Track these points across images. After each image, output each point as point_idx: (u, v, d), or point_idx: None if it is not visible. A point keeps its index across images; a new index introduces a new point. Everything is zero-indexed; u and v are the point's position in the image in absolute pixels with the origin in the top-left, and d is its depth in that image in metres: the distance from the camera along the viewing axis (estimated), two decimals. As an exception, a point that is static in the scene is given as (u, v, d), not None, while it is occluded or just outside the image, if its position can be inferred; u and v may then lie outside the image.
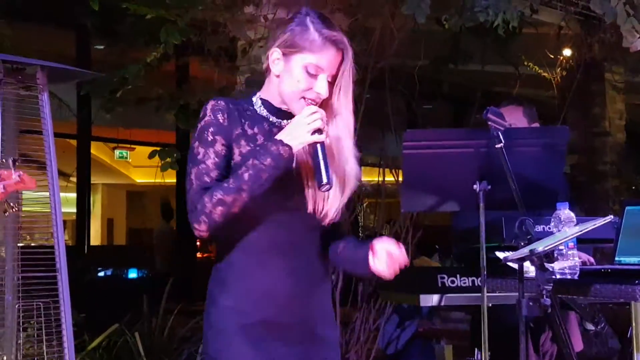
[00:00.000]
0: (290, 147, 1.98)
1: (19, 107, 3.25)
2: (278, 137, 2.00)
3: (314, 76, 2.05)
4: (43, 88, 3.26)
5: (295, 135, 1.99)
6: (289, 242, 2.09)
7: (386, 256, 2.05)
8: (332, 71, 2.07)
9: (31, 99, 3.28)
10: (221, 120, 2.05)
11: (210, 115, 2.05)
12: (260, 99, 2.14)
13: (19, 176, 1.96)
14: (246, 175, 1.96)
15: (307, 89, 2.05)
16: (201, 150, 2.03)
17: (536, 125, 3.45)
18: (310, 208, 2.09)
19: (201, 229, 1.98)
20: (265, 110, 2.13)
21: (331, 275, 4.97)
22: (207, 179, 2.00)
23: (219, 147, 2.04)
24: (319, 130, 1.99)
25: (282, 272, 2.07)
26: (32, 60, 3.24)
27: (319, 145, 1.99)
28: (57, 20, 7.37)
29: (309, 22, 2.07)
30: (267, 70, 2.13)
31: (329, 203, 2.11)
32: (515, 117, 3.36)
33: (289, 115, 2.10)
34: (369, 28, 5.11)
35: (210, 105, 2.07)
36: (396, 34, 5.01)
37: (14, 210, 2.23)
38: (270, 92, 2.14)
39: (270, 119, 2.13)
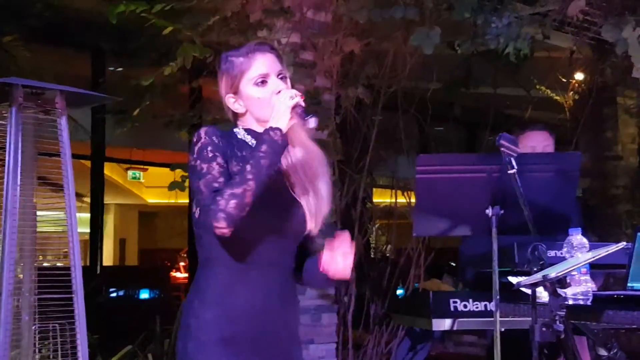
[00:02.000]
0: (280, 129, 2.07)
1: (38, 130, 3.29)
2: (270, 123, 2.10)
3: (265, 83, 2.19)
4: (62, 112, 3.30)
5: (279, 116, 2.09)
6: (268, 259, 2.15)
7: (329, 257, 2.12)
8: (275, 70, 2.21)
9: (49, 122, 3.33)
10: (216, 141, 2.12)
11: (205, 137, 2.12)
12: (243, 128, 2.23)
13: None
14: (248, 167, 2.04)
15: (270, 98, 2.16)
16: (204, 165, 2.09)
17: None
18: (301, 216, 2.20)
19: (221, 225, 2.00)
20: (249, 137, 2.21)
21: (343, 297, 5.01)
22: (216, 185, 2.06)
23: (220, 160, 2.11)
24: (293, 96, 2.10)
25: (261, 288, 2.14)
26: (51, 85, 3.28)
27: (298, 108, 2.11)
28: (73, 43, 7.43)
29: (229, 57, 2.23)
30: (235, 117, 2.26)
31: (320, 214, 2.23)
32: (540, 141, 3.40)
33: None
34: (381, 52, 5.15)
35: (203, 130, 2.14)
36: (408, 57, 5.05)
37: None
38: (247, 121, 2.25)
39: (251, 142, 2.20)
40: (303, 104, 2.11)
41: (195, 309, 2.14)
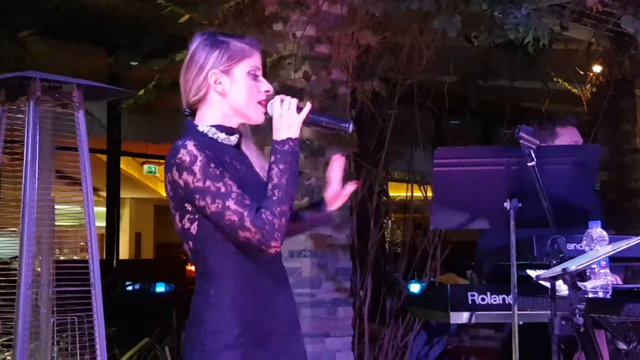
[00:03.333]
0: (296, 138, 2.09)
1: (55, 124, 3.31)
2: (275, 137, 2.09)
3: (257, 78, 2.18)
4: (79, 106, 3.32)
5: (290, 125, 2.09)
6: (271, 262, 2.15)
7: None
8: (261, 70, 2.23)
9: (66, 116, 3.34)
10: (211, 154, 2.05)
11: (200, 154, 2.03)
12: (212, 126, 2.16)
13: None
14: (284, 179, 2.05)
15: (258, 93, 2.17)
16: (219, 184, 2.02)
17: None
18: None
19: (278, 244, 2.03)
20: (222, 133, 2.16)
21: (359, 290, 5.01)
22: (247, 202, 2.01)
23: (226, 174, 2.05)
24: (298, 108, 2.11)
25: (269, 294, 2.15)
26: (68, 79, 3.30)
27: (312, 115, 2.13)
28: (87, 37, 7.47)
29: (221, 38, 2.19)
30: (203, 98, 2.16)
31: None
32: (574, 136, 3.39)
33: (234, 131, 2.20)
34: (397, 45, 5.14)
35: (191, 146, 2.03)
36: (425, 50, 5.03)
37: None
38: (214, 115, 2.17)
39: (228, 141, 2.18)
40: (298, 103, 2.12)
41: (204, 319, 2.10)
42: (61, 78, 3.29)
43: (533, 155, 2.56)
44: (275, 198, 2.02)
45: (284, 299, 2.19)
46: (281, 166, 2.05)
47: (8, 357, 3.36)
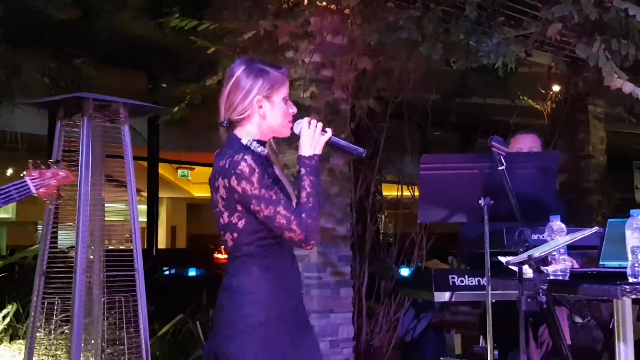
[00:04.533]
0: (320, 155, 2.16)
1: (105, 136, 3.33)
2: (304, 153, 2.15)
3: (287, 102, 2.22)
4: (125, 121, 3.34)
5: (315, 144, 2.16)
6: (289, 247, 2.21)
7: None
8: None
9: (114, 129, 3.36)
10: (262, 166, 2.11)
11: (257, 168, 2.08)
12: (254, 141, 2.19)
13: (64, 172, 2.01)
14: (315, 190, 2.12)
15: (288, 114, 2.22)
16: (270, 192, 2.08)
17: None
18: None
19: (314, 243, 2.12)
20: (260, 147, 2.20)
21: (358, 274, 5.01)
22: (292, 208, 2.10)
23: (276, 185, 2.12)
24: (323, 130, 2.16)
25: (293, 276, 2.22)
26: (115, 99, 3.32)
27: (332, 138, 2.19)
28: (130, 63, 7.47)
29: (266, 68, 2.20)
30: (248, 117, 2.18)
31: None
32: (527, 143, 3.38)
33: (265, 144, 2.24)
34: (389, 68, 5.13)
35: (250, 161, 2.07)
36: (412, 73, 5.03)
37: (62, 198, 2.20)
38: (253, 131, 2.19)
39: (262, 152, 2.21)
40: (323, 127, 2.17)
41: (232, 306, 2.11)
42: (110, 98, 3.30)
43: (503, 160, 2.57)
44: (310, 205, 2.10)
45: (292, 285, 2.23)
46: (312, 178, 2.12)
47: (66, 330, 3.37)
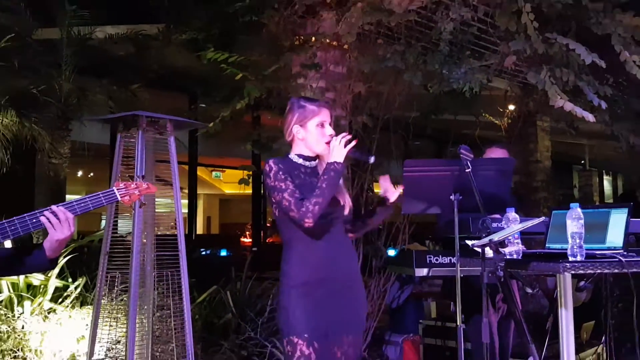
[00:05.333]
0: (340, 163, 2.20)
1: (155, 146, 3.33)
2: (329, 160, 2.20)
3: (323, 126, 2.28)
4: (170, 133, 3.34)
5: (338, 154, 2.20)
6: (328, 232, 2.23)
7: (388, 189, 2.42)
8: (328, 121, 2.31)
9: (162, 140, 3.36)
10: (282, 167, 2.20)
11: (276, 166, 2.19)
12: (296, 155, 2.30)
13: (146, 184, 2.03)
14: (324, 184, 2.15)
15: (323, 136, 2.27)
16: (282, 184, 2.17)
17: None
18: (343, 207, 2.29)
19: (309, 222, 2.13)
20: (301, 159, 2.29)
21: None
22: (297, 195, 2.15)
23: (289, 180, 2.18)
24: (348, 143, 2.21)
25: (326, 250, 2.22)
26: (163, 116, 3.32)
27: (351, 151, 2.23)
28: (174, 87, 7.50)
29: (302, 103, 2.30)
30: (292, 140, 2.30)
31: (348, 203, 2.32)
32: (501, 154, 3.41)
33: (313, 158, 2.31)
34: (379, 91, 5.13)
35: (272, 161, 2.21)
36: (397, 95, 5.01)
37: (145, 205, 2.24)
38: (299, 149, 2.30)
39: (305, 164, 2.29)
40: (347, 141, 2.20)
41: (284, 270, 2.21)
42: (159, 115, 3.30)
43: (469, 164, 2.57)
44: (315, 194, 2.14)
45: (341, 258, 2.26)
46: (325, 176, 2.17)
47: (125, 298, 3.37)
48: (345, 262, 2.28)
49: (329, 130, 2.29)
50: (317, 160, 2.31)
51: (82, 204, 1.85)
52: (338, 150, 2.19)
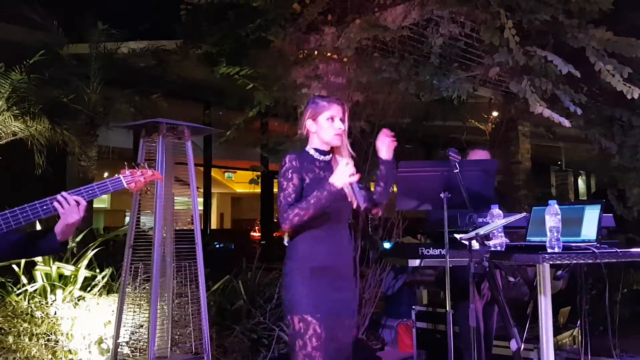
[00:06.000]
0: (336, 187, 2.11)
1: (174, 149, 3.34)
2: (331, 180, 2.10)
3: (332, 120, 2.22)
4: (188, 138, 3.35)
5: (340, 180, 2.10)
6: (331, 224, 2.19)
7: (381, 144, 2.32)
8: (339, 115, 2.24)
9: (180, 144, 3.37)
10: (295, 164, 2.15)
11: (288, 163, 2.15)
12: (312, 148, 2.25)
13: (152, 171, 2.01)
14: (312, 200, 2.08)
15: (333, 129, 2.21)
16: (284, 183, 2.13)
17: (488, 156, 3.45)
18: (350, 203, 2.21)
19: (285, 227, 2.10)
20: (317, 153, 2.23)
21: (354, 246, 4.99)
22: (289, 199, 2.10)
23: (295, 180, 2.13)
24: (352, 174, 2.11)
25: (328, 240, 2.18)
26: (181, 122, 3.33)
27: (352, 183, 2.15)
28: (191, 97, 7.50)
29: (316, 100, 2.27)
30: (307, 133, 2.26)
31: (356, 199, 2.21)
32: (480, 155, 3.40)
33: (328, 152, 2.24)
34: (375, 100, 5.12)
35: (287, 157, 2.17)
36: (392, 104, 5.01)
37: (149, 191, 2.24)
38: (314, 142, 2.25)
39: (320, 158, 2.24)
40: (353, 172, 2.10)
41: (291, 256, 2.18)
42: (177, 122, 3.32)
43: (457, 165, 2.57)
44: (300, 205, 2.08)
45: (342, 249, 2.20)
46: (318, 193, 2.08)
47: (147, 287, 3.36)
48: (346, 253, 2.26)
49: (338, 123, 2.22)
50: (330, 155, 2.27)
51: (90, 191, 1.83)
52: (341, 174, 2.09)
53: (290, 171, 2.14)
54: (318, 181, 2.14)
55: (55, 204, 1.77)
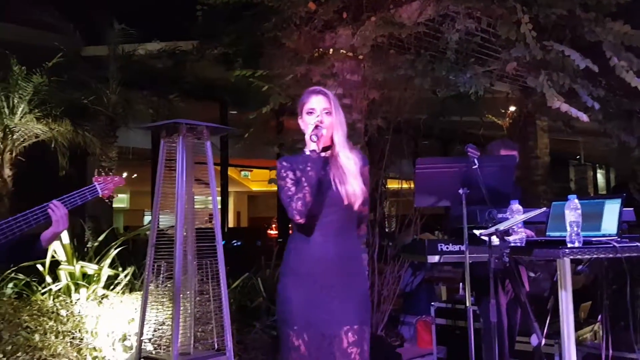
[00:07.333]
0: (315, 150, 2.01)
1: (193, 149, 3.37)
2: (306, 139, 2.03)
3: (311, 114, 2.07)
4: (207, 138, 3.37)
5: (308, 143, 2.01)
6: (325, 227, 2.05)
7: None
8: (322, 107, 2.08)
9: (199, 144, 3.40)
10: (286, 164, 2.09)
11: (279, 164, 2.10)
12: (308, 149, 2.13)
13: (118, 177, 2.04)
14: (303, 178, 2.01)
15: (310, 124, 2.06)
16: (281, 182, 2.08)
17: (514, 152, 3.40)
18: (348, 205, 2.05)
19: (296, 218, 2.01)
20: (310, 152, 2.08)
21: (372, 243, 5.00)
22: (290, 193, 2.03)
23: (290, 175, 2.07)
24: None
25: (320, 243, 2.04)
26: (200, 123, 3.35)
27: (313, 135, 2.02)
28: (208, 97, 7.55)
29: (300, 97, 2.14)
30: (304, 132, 2.13)
31: (354, 197, 2.06)
32: (500, 150, 3.36)
33: (324, 149, 2.10)
34: (391, 97, 5.12)
35: (279, 160, 2.11)
36: (408, 100, 5.01)
37: (115, 197, 2.20)
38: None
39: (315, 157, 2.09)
40: (316, 134, 1.99)
41: (283, 259, 2.12)
42: (197, 122, 3.33)
43: (476, 161, 2.56)
44: (297, 189, 2.01)
45: (334, 251, 2.04)
46: (305, 168, 2.01)
47: (169, 284, 3.40)
48: (343, 259, 2.04)
49: (313, 118, 2.05)
50: (328, 151, 2.10)
51: (71, 199, 1.86)
52: (307, 137, 2.01)
53: (282, 170, 2.07)
54: (310, 179, 2.02)
55: (49, 211, 1.80)
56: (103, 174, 1.99)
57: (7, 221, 1.75)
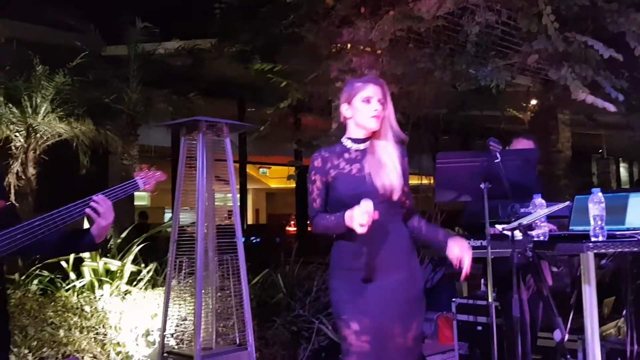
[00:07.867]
0: (348, 227, 1.90)
1: (213, 146, 3.38)
2: (346, 215, 1.88)
3: (368, 101, 2.01)
4: (226, 136, 3.38)
5: (351, 221, 1.86)
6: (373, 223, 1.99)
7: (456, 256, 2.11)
8: (378, 96, 2.02)
9: (219, 142, 3.42)
10: (317, 164, 2.04)
11: (312, 163, 2.04)
12: (347, 138, 2.08)
13: (160, 172, 2.08)
14: (332, 224, 1.97)
15: (369, 111, 2.00)
16: (309, 186, 2.04)
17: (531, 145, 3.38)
18: (385, 195, 1.99)
19: (313, 231, 2.04)
20: (350, 142, 2.06)
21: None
22: (314, 205, 2.03)
23: (318, 183, 2.03)
24: (363, 225, 1.84)
25: (366, 239, 1.96)
26: (220, 120, 3.36)
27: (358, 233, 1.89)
28: (226, 94, 7.60)
29: (352, 81, 2.09)
30: (344, 120, 2.08)
31: (392, 189, 2.01)
32: (527, 145, 3.32)
33: (365, 140, 2.04)
34: (410, 92, 5.10)
35: (314, 155, 2.03)
36: (427, 95, 4.98)
37: (157, 192, 2.17)
38: (350, 130, 2.06)
39: (353, 147, 2.05)
40: (367, 222, 1.83)
41: (331, 254, 2.08)
42: (216, 120, 3.34)
43: (498, 155, 2.53)
44: (324, 219, 1.99)
45: (384, 249, 1.99)
46: (339, 220, 1.91)
47: (191, 280, 3.42)
48: (387, 249, 1.97)
49: (375, 105, 1.99)
50: (368, 142, 2.04)
51: (114, 192, 1.89)
52: (356, 217, 1.83)
53: (312, 173, 2.03)
54: (342, 177, 2.00)
55: (93, 204, 1.84)
56: (145, 170, 2.03)
57: (51, 214, 1.80)
